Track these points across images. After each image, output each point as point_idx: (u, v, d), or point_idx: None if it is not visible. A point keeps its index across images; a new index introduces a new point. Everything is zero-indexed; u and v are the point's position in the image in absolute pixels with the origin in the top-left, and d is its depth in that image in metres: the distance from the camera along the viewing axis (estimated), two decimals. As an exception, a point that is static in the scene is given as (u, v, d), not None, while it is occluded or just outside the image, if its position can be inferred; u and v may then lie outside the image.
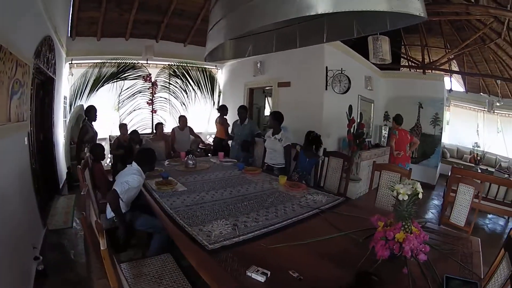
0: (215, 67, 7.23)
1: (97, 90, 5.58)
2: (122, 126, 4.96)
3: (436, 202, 5.41)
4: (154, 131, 5.82)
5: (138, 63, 6.03)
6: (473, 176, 3.26)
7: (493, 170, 6.55)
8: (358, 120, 5.59)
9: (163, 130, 5.54)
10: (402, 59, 7.86)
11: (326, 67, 4.72)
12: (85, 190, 1.87)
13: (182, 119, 5.43)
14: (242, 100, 6.54)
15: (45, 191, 3.53)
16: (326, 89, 4.74)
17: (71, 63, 5.35)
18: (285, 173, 3.17)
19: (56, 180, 4.17)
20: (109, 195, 2.21)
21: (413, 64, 7.10)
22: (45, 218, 3.20)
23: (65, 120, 5.00)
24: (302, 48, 2.87)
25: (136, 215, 2.35)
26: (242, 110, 4.51)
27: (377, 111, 6.86)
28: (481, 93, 7.51)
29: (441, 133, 6.46)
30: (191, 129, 5.61)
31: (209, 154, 6.74)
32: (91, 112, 4.35)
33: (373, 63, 5.11)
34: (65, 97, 5.05)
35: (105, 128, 5.56)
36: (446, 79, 7.10)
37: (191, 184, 2.75)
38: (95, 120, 4.39)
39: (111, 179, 3.33)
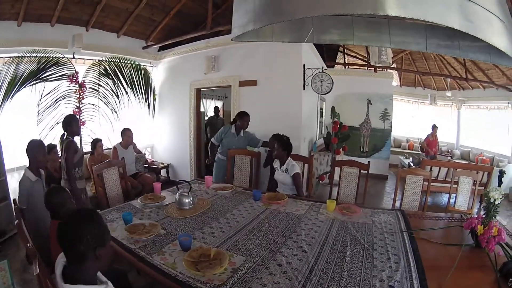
0: (149, 64, 6.03)
1: (12, 96, 4.05)
2: (51, 149, 3.68)
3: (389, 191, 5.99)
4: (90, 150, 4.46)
5: (63, 57, 4.60)
6: (449, 166, 4.43)
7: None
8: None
9: (103, 148, 4.40)
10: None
11: (304, 65, 4.39)
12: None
13: (127, 134, 4.35)
14: (188, 103, 5.60)
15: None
16: (304, 89, 4.42)
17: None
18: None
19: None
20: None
21: (362, 61, 7.38)
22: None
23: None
24: (269, 42, 2.39)
25: None
26: (247, 118, 3.73)
27: (327, 109, 6.85)
28: (415, 87, 8.38)
29: (391, 127, 6.91)
30: (134, 145, 4.66)
31: (160, 175, 5.70)
32: (72, 124, 2.91)
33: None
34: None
35: (20, 153, 4.05)
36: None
37: (234, 243, 1.74)
38: (78, 134, 3.38)
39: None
